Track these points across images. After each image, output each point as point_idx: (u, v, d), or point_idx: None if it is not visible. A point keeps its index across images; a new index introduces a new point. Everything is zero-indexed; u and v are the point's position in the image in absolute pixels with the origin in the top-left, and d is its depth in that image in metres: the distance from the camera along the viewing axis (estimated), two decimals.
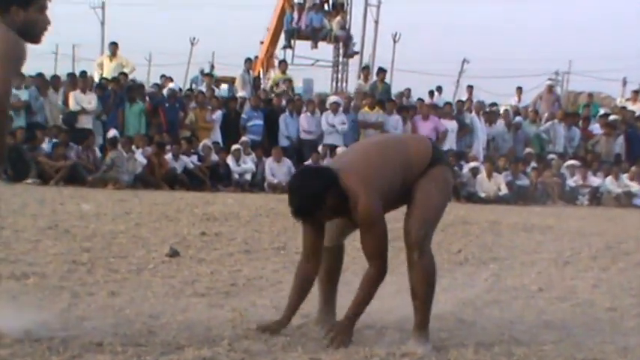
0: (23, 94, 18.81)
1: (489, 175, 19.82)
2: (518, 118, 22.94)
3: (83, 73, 21.22)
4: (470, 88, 25.97)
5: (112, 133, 19.08)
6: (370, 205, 5.41)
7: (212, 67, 27.33)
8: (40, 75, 20.30)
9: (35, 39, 4.97)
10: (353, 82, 28.61)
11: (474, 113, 22.36)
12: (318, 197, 5.28)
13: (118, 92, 20.27)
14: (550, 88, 25.67)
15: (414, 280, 5.46)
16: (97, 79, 21.47)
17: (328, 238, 5.71)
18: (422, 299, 5.43)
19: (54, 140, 18.47)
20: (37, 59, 37.71)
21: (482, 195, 19.56)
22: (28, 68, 21.20)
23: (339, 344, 5.19)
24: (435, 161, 5.58)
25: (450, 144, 21.24)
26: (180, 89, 22.69)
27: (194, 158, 19.28)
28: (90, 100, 19.59)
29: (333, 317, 5.74)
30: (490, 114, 22.98)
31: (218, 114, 20.86)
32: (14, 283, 6.74)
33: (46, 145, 18.44)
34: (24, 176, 17.21)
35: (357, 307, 5.40)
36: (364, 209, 5.39)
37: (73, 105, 19.57)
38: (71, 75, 21.42)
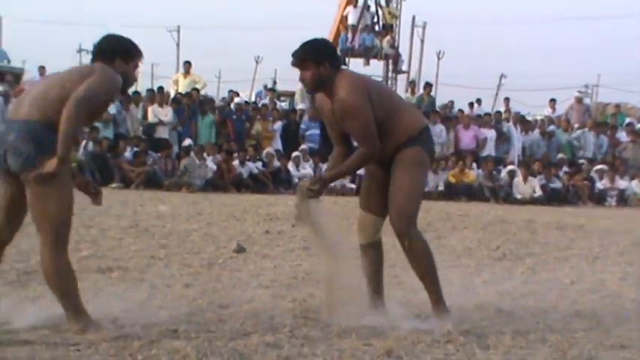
0: (111, 109, 19.04)
1: (525, 179, 19.65)
2: (551, 127, 22.76)
3: (160, 89, 21.39)
4: (507, 100, 25.81)
5: (187, 142, 19.25)
6: (352, 94, 5.28)
7: (274, 82, 27.40)
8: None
9: (124, 89, 5.14)
10: (401, 95, 28.54)
11: (510, 123, 22.24)
12: (317, 52, 5.34)
13: (191, 106, 20.42)
14: (579, 100, 25.39)
15: (414, 265, 5.56)
16: (172, 95, 21.64)
17: (366, 235, 5.81)
18: (428, 279, 5.54)
19: (135, 149, 18.65)
20: None
21: (519, 196, 19.39)
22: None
23: (305, 194, 5.60)
24: (417, 141, 5.47)
25: (489, 150, 21.21)
26: (247, 102, 22.78)
27: (259, 164, 19.35)
28: (166, 113, 19.78)
29: (382, 306, 5.71)
30: (526, 123, 22.86)
31: (279, 124, 21.01)
32: (101, 276, 6.81)
33: (128, 153, 18.62)
34: (109, 181, 17.40)
35: (338, 172, 5.78)
36: (346, 97, 5.27)
37: (151, 117, 19.78)
38: (150, 91, 21.61)
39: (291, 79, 24.42)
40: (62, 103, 4.64)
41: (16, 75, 22.94)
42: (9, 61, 24.03)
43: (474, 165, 20.31)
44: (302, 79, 5.44)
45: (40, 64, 23.16)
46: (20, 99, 5.02)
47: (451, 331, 5.20)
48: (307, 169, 19.60)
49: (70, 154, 4.80)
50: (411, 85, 25.68)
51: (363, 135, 5.36)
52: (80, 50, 43.88)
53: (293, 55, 5.39)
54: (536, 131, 22.60)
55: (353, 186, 19.46)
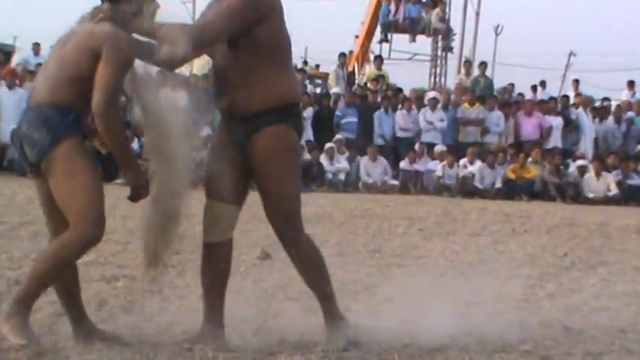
0: None
1: (598, 174, 19.49)
2: (629, 114, 22.45)
3: None
4: (576, 82, 25.56)
5: (205, 131, 19.27)
6: None
7: (305, 62, 27.41)
8: None
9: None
10: (452, 77, 28.50)
11: (580, 109, 22.01)
12: None
13: (209, 89, 20.42)
14: None
15: (302, 272, 5.41)
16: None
17: (217, 231, 5.44)
18: (318, 286, 5.45)
19: (142, 139, 18.74)
20: None
21: (590, 195, 19.24)
22: None
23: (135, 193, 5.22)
24: (287, 116, 5.14)
25: (554, 141, 20.98)
26: None
27: None
28: (180, 97, 19.81)
29: (221, 331, 5.32)
30: (600, 110, 22.57)
31: (310, 111, 20.83)
32: (104, 286, 6.86)
33: (135, 145, 18.72)
34: (114, 177, 17.49)
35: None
36: None
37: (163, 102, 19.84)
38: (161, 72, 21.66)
39: (324, 59, 24.39)
40: (74, 83, 4.77)
41: (6, 53, 23.09)
42: None
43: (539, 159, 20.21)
44: None
45: (35, 41, 23.34)
46: (36, 82, 5.15)
47: (345, 347, 5.18)
48: (343, 162, 19.54)
49: (129, 157, 5.27)
50: (466, 65, 25.46)
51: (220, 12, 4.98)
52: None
53: None
54: (611, 119, 22.25)
55: (395, 182, 19.43)
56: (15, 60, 22.99)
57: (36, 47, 22.91)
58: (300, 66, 25.53)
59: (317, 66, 23.67)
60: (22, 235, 9.33)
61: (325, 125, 20.64)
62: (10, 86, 19.49)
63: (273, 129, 5.02)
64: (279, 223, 5.18)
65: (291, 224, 5.18)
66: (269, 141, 5.02)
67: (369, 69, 26.45)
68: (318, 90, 22.64)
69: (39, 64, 21.33)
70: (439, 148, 19.96)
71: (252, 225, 10.95)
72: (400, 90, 23.03)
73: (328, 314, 5.39)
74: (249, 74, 4.99)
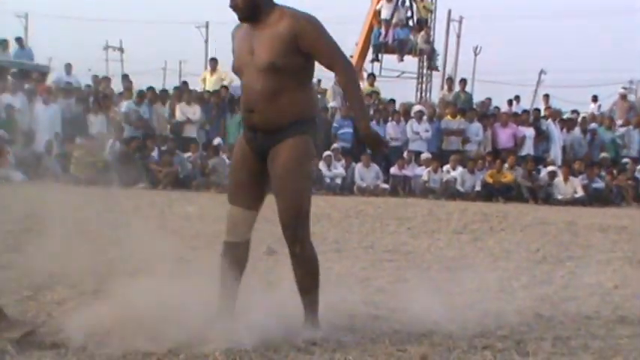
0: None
1: (566, 179, 19.53)
2: (593, 125, 22.55)
3: (184, 83, 21.57)
4: (546, 97, 25.59)
5: (217, 141, 19.35)
6: (307, 15, 4.96)
7: None
8: (151, 89, 20.68)
9: None
10: (436, 92, 28.55)
11: (550, 120, 22.06)
12: None
13: (220, 104, 20.50)
14: (624, 96, 25.15)
15: (300, 274, 5.27)
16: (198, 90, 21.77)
17: (236, 233, 5.33)
18: (310, 293, 5.31)
19: (162, 148, 18.75)
20: (148, 74, 38.32)
21: (560, 197, 19.30)
22: (140, 83, 21.66)
23: (379, 150, 5.33)
24: (309, 128, 5.07)
25: (527, 149, 21.12)
26: None
27: None
28: (195, 112, 19.89)
29: (232, 323, 5.16)
30: (567, 121, 22.67)
31: None
32: (128, 280, 6.82)
33: (154, 153, 18.73)
34: (136, 181, 17.51)
35: (363, 113, 5.19)
36: (305, 17, 4.92)
37: (179, 116, 19.91)
38: (177, 89, 21.72)
39: (322, 75, 24.43)
40: None
41: (42, 73, 23.13)
42: (31, 59, 24.22)
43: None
44: (233, 5, 4.96)
45: (67, 62, 23.37)
46: None
47: (317, 341, 5.05)
48: (339, 168, 19.66)
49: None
50: (448, 81, 25.62)
51: (336, 49, 4.98)
52: (107, 47, 44.26)
53: None
54: (578, 129, 22.38)
55: (386, 186, 19.47)
56: (50, 79, 22.99)
57: (68, 67, 22.92)
58: None
59: (319, 81, 23.71)
60: (54, 233, 9.30)
61: (323, 135, 20.63)
62: (46, 102, 19.55)
63: (295, 139, 4.97)
64: (291, 221, 5.09)
65: (301, 224, 5.11)
66: (290, 149, 4.96)
67: (363, 85, 26.44)
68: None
69: (69, 83, 21.40)
70: (425, 155, 20.03)
71: (259, 224, 10.93)
72: (393, 101, 23.27)
73: (312, 319, 5.28)
74: (280, 93, 4.92)
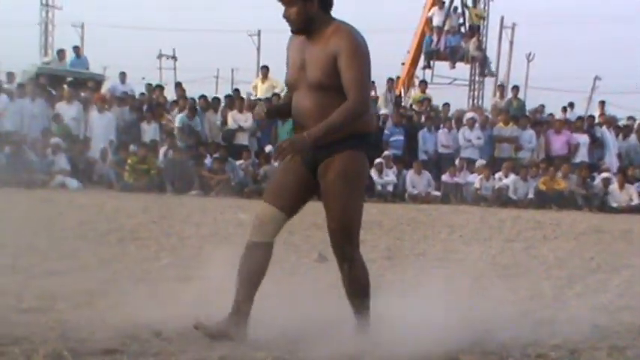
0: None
1: (621, 186, 19.31)
2: None
3: (236, 91, 21.72)
4: (602, 103, 25.31)
5: (269, 148, 19.43)
6: (361, 38, 4.85)
7: None
8: (203, 97, 20.86)
9: None
10: (488, 100, 28.39)
11: (604, 127, 21.83)
12: None
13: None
14: None
15: (351, 293, 5.19)
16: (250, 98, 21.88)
17: (263, 233, 5.14)
18: (360, 310, 5.21)
19: (214, 155, 18.86)
20: (200, 82, 38.57)
21: (615, 205, 19.06)
22: (192, 91, 21.83)
23: (285, 150, 4.88)
24: (362, 144, 4.99)
25: (582, 156, 20.91)
26: None
27: None
28: (246, 119, 19.98)
29: (245, 323, 5.15)
30: (623, 128, 22.42)
31: None
32: (180, 285, 6.87)
33: (207, 160, 18.85)
34: (188, 188, 17.64)
35: (323, 128, 4.80)
36: (356, 37, 4.82)
37: (231, 123, 20.03)
38: (229, 97, 21.84)
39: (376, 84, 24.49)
40: None
41: (97, 82, 23.42)
42: (87, 68, 24.55)
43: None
44: (286, 16, 4.86)
45: (121, 71, 23.63)
46: None
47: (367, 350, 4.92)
48: (391, 176, 19.61)
49: None
50: (499, 88, 25.45)
51: (360, 82, 4.81)
52: (160, 56, 44.62)
53: None
54: (634, 136, 22.11)
55: (438, 193, 19.39)
56: (104, 87, 23.27)
57: (122, 76, 23.16)
58: None
59: (372, 82, 23.95)
60: (110, 240, 9.41)
61: (375, 143, 20.66)
62: (100, 110, 19.80)
63: (347, 153, 4.87)
64: (339, 238, 4.98)
65: (349, 240, 5.00)
66: (342, 164, 4.87)
67: (414, 92, 26.41)
68: None
69: (125, 92, 21.63)
70: (480, 162, 19.90)
71: (311, 232, 10.98)
72: (448, 105, 23.27)
73: (359, 330, 5.23)
74: (330, 110, 4.79)
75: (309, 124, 4.87)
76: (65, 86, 21.33)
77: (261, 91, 22.28)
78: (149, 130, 19.77)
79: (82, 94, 20.97)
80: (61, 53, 25.01)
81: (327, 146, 4.85)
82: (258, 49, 41.50)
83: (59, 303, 5.99)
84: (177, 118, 19.92)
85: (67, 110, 19.72)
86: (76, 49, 25.69)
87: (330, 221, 4.99)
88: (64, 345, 4.71)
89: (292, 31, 4.93)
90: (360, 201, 5.02)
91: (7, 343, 4.76)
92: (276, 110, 5.62)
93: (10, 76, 22.60)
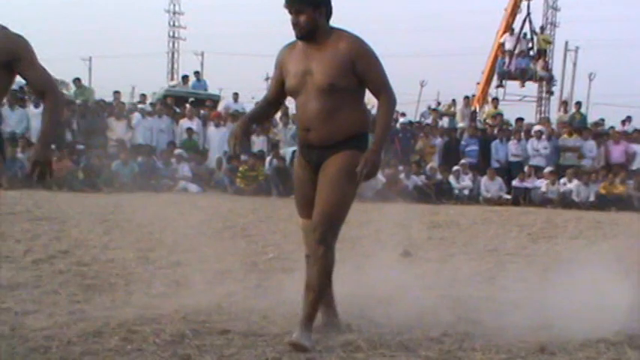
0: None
1: None
2: None
3: None
4: None
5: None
6: (366, 42, 4.58)
7: (438, 103, 27.28)
8: None
9: None
10: (553, 114, 27.98)
11: None
12: None
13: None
14: None
15: (315, 274, 4.65)
16: None
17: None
18: (317, 294, 4.68)
19: None
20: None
21: None
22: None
23: (369, 172, 4.53)
24: (360, 143, 4.67)
25: (638, 164, 20.43)
26: (411, 122, 22.75)
27: (422, 177, 19.35)
28: None
29: (336, 318, 5.04)
30: None
31: (440, 141, 21.10)
32: (284, 276, 6.91)
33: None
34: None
35: (383, 135, 4.60)
36: (361, 41, 4.56)
37: None
38: None
39: (452, 103, 24.38)
40: None
41: (214, 101, 23.82)
42: (206, 90, 24.99)
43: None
44: (295, 23, 4.52)
45: (234, 91, 24.01)
46: None
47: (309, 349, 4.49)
48: (467, 181, 19.50)
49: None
50: (563, 104, 25.08)
51: (385, 78, 4.61)
52: (267, 78, 45.06)
53: None
54: None
55: (508, 197, 19.19)
56: (220, 106, 23.63)
57: (235, 96, 23.49)
58: (433, 106, 25.46)
59: (453, 101, 23.97)
60: (224, 236, 9.52)
61: (453, 152, 20.71)
62: (217, 125, 20.11)
63: (350, 153, 4.57)
64: (325, 225, 4.57)
65: (333, 231, 4.63)
66: (345, 161, 4.55)
67: (488, 108, 26.13)
68: (446, 124, 22.63)
69: (237, 110, 21.92)
70: (548, 168, 19.68)
71: (396, 230, 10.94)
72: (521, 119, 22.89)
73: (308, 320, 4.64)
74: (337, 112, 4.56)
75: (316, 125, 4.59)
76: (187, 105, 21.70)
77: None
78: (257, 142, 19.96)
79: (202, 111, 21.32)
80: (185, 78, 25.55)
81: (333, 146, 4.59)
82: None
83: (183, 290, 6.09)
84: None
85: (190, 126, 20.10)
86: (197, 74, 26.19)
87: (321, 209, 4.57)
88: (186, 326, 4.80)
89: (297, 37, 4.56)
90: (351, 198, 4.67)
91: (139, 323, 4.87)
92: (250, 121, 5.07)
93: (143, 97, 23.32)
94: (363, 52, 4.53)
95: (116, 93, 21.44)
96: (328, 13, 4.56)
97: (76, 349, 4.23)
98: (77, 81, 22.89)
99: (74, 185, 16.64)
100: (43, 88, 4.47)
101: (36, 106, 18.42)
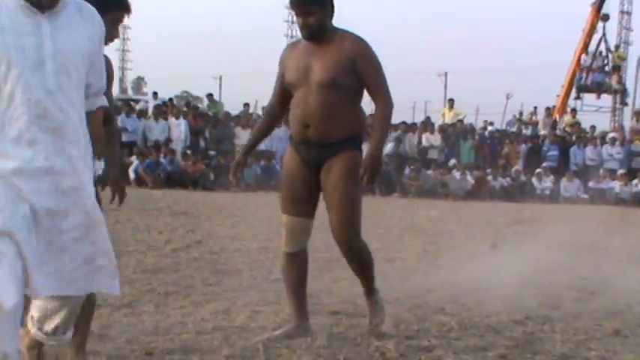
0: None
1: None
2: None
3: (428, 118, 21.83)
4: None
5: (452, 162, 19.33)
6: (369, 44, 4.08)
7: (521, 114, 26.78)
8: (404, 122, 20.97)
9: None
10: (627, 123, 27.12)
11: None
12: None
13: (456, 133, 20.49)
14: None
15: (356, 269, 4.25)
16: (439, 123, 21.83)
17: (297, 242, 4.20)
18: (368, 277, 4.28)
19: (411, 167, 18.86)
20: (400, 112, 38.67)
21: None
22: (395, 118, 21.96)
23: (373, 178, 4.02)
24: (359, 143, 4.16)
25: None
26: (498, 130, 22.52)
27: (507, 179, 19.10)
28: (436, 139, 20.02)
29: (307, 319, 4.26)
30: None
31: (524, 147, 20.87)
32: (386, 265, 6.86)
33: (406, 170, 18.89)
34: (391, 192, 17.72)
35: (378, 142, 4.05)
36: (364, 43, 4.07)
37: (425, 142, 20.16)
38: (424, 122, 21.90)
39: (536, 111, 23.99)
40: None
41: None
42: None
43: None
44: (304, 24, 4.02)
45: None
46: None
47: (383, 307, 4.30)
48: (548, 182, 19.22)
49: None
50: (636, 114, 24.18)
51: (386, 85, 4.10)
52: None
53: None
54: None
55: (585, 196, 18.68)
56: None
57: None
58: (517, 116, 25.07)
59: (535, 108, 23.84)
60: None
61: (535, 156, 20.45)
62: None
63: (351, 153, 4.07)
64: (346, 233, 4.09)
65: (355, 232, 4.11)
66: (348, 162, 4.04)
67: (567, 118, 25.51)
68: (529, 132, 22.34)
69: None
70: (621, 171, 19.18)
71: (484, 225, 10.76)
72: (594, 127, 22.68)
73: (371, 291, 4.34)
74: (336, 109, 4.03)
75: (314, 121, 4.03)
76: None
77: (448, 118, 22.12)
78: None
79: None
80: None
81: (332, 146, 4.05)
82: (445, 86, 41.19)
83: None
84: (388, 147, 19.90)
85: None
86: None
87: (337, 215, 4.07)
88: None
89: (304, 37, 4.07)
90: (360, 195, 4.15)
91: (261, 304, 4.93)
92: (248, 154, 4.40)
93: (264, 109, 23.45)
94: (365, 52, 4.04)
95: (246, 105, 21.52)
96: (332, 12, 4.07)
97: (208, 325, 4.29)
98: (210, 96, 23.32)
99: (206, 185, 17.01)
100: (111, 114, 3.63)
101: (176, 117, 18.98)
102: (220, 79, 42.70)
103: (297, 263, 4.21)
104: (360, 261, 4.19)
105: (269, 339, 3.99)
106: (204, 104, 24.33)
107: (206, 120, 20.00)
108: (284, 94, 4.23)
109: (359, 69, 4.00)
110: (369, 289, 4.30)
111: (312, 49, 4.06)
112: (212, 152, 18.90)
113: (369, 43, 4.07)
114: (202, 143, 19.45)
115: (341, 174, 4.03)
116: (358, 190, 4.09)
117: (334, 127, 4.04)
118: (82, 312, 3.14)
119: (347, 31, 4.09)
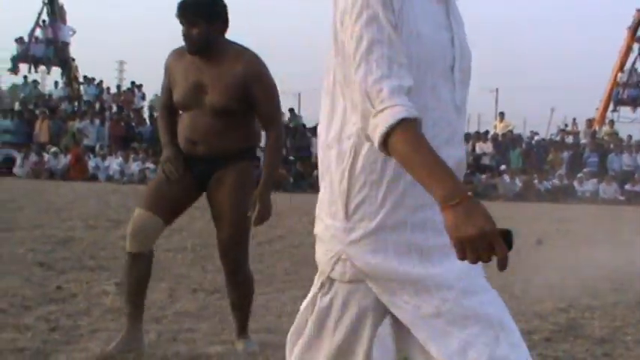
0: None
1: None
2: None
3: (477, 132, 21.84)
4: None
5: (502, 167, 19.15)
6: (265, 65, 3.32)
7: (565, 125, 26.22)
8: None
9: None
10: None
11: None
12: (212, 9, 3.24)
13: (506, 142, 20.43)
14: None
15: (238, 297, 3.50)
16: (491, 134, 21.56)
17: (142, 242, 3.32)
18: (245, 312, 3.54)
19: (466, 172, 18.68)
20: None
21: None
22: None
23: (264, 217, 3.31)
24: (253, 156, 3.50)
25: None
26: (544, 139, 22.19)
27: (552, 182, 18.87)
28: (488, 147, 19.91)
29: (141, 339, 3.39)
30: None
31: (566, 154, 20.51)
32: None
33: None
34: None
35: (269, 176, 3.35)
36: (259, 65, 3.30)
37: (478, 150, 20.13)
38: (477, 132, 21.74)
39: (577, 122, 23.47)
40: None
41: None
42: None
43: None
44: (187, 34, 3.23)
45: None
46: None
47: (257, 351, 3.45)
48: (589, 185, 18.82)
49: None
50: None
51: (279, 112, 3.49)
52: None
53: (184, 6, 3.22)
54: None
55: (622, 198, 18.03)
56: None
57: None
58: (561, 127, 24.52)
59: (574, 120, 23.47)
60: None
61: (577, 162, 20.05)
62: None
63: (242, 165, 3.36)
64: (233, 248, 3.36)
65: (243, 250, 3.40)
66: (239, 175, 3.34)
67: (606, 128, 24.80)
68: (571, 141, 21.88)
69: None
70: None
71: (530, 223, 10.48)
72: (630, 136, 22.19)
73: (245, 332, 3.56)
74: (228, 129, 3.32)
75: (206, 139, 3.31)
76: None
77: (499, 129, 21.89)
78: None
79: None
80: None
81: (220, 159, 3.33)
82: (496, 100, 40.59)
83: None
84: None
85: None
86: None
87: (226, 230, 3.34)
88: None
89: (189, 51, 3.27)
90: (247, 211, 3.34)
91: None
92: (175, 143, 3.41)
93: None
94: (259, 77, 3.28)
95: None
96: (224, 27, 3.30)
97: (288, 309, 4.30)
98: (291, 111, 23.57)
99: (286, 187, 17.15)
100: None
101: None
102: (299, 95, 43.02)
103: (141, 265, 3.35)
104: (245, 288, 3.48)
105: (102, 355, 3.25)
106: (285, 117, 24.58)
107: (287, 131, 20.21)
108: (172, 102, 3.42)
109: (252, 94, 3.26)
110: (244, 327, 3.53)
111: (202, 65, 3.28)
112: (291, 158, 19.07)
113: (263, 63, 3.32)
114: (283, 151, 19.64)
115: (232, 188, 3.33)
116: (248, 202, 3.31)
117: (226, 146, 3.33)
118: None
119: (242, 48, 3.33)
